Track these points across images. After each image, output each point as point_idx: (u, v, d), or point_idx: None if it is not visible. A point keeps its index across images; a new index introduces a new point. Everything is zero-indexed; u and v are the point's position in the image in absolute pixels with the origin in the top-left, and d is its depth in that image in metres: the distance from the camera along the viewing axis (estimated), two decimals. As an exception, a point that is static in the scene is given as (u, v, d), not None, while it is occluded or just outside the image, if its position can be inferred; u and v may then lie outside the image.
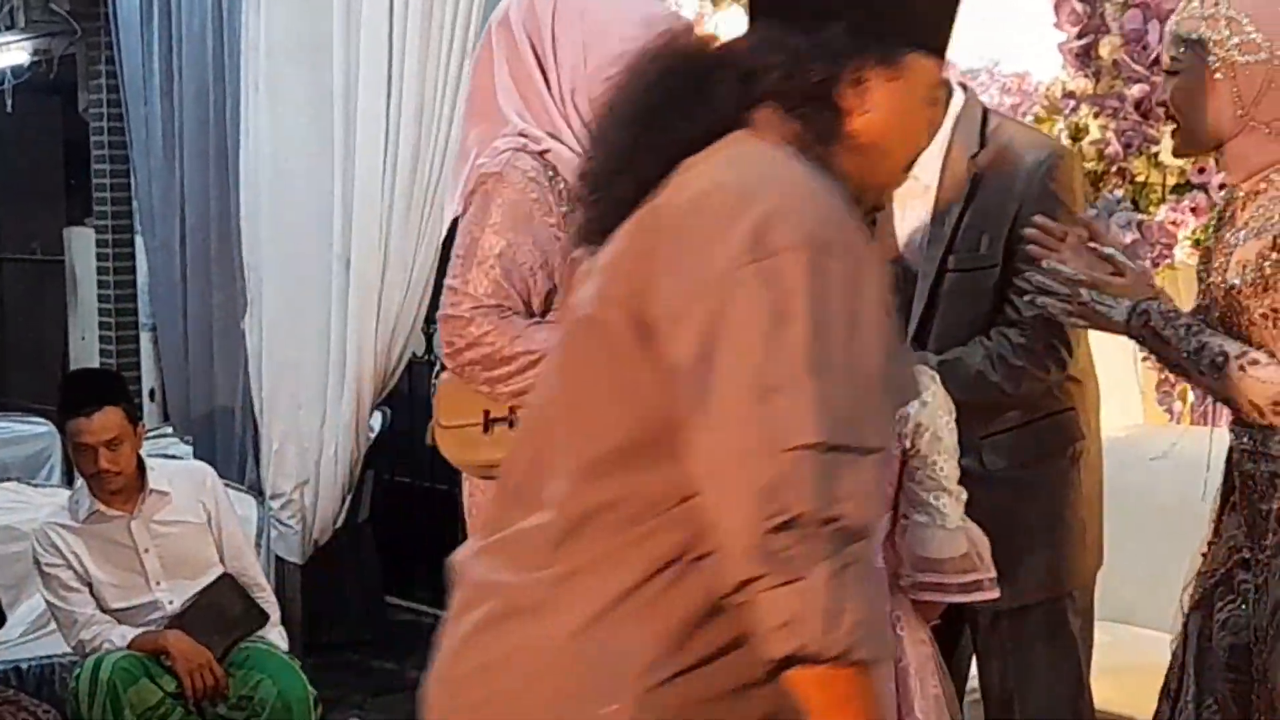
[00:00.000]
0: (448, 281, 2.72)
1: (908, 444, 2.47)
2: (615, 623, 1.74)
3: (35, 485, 5.67)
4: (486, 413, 2.74)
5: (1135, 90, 3.43)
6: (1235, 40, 2.34)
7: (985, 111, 2.87)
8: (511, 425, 2.71)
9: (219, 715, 4.22)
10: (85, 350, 8.25)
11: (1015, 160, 2.76)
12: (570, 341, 1.86)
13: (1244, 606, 2.49)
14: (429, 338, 6.14)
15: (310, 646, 5.04)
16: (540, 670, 1.77)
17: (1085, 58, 3.66)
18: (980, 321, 2.82)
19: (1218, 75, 2.37)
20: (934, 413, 2.50)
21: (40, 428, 6.77)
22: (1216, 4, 2.36)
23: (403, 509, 6.26)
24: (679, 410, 1.69)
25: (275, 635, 4.50)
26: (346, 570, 5.83)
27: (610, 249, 1.81)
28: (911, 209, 2.84)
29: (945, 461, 2.50)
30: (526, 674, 1.78)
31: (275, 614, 4.54)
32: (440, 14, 4.77)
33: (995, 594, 2.56)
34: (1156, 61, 3.27)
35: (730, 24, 4.33)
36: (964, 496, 2.55)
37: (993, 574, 2.56)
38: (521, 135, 2.75)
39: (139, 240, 6.79)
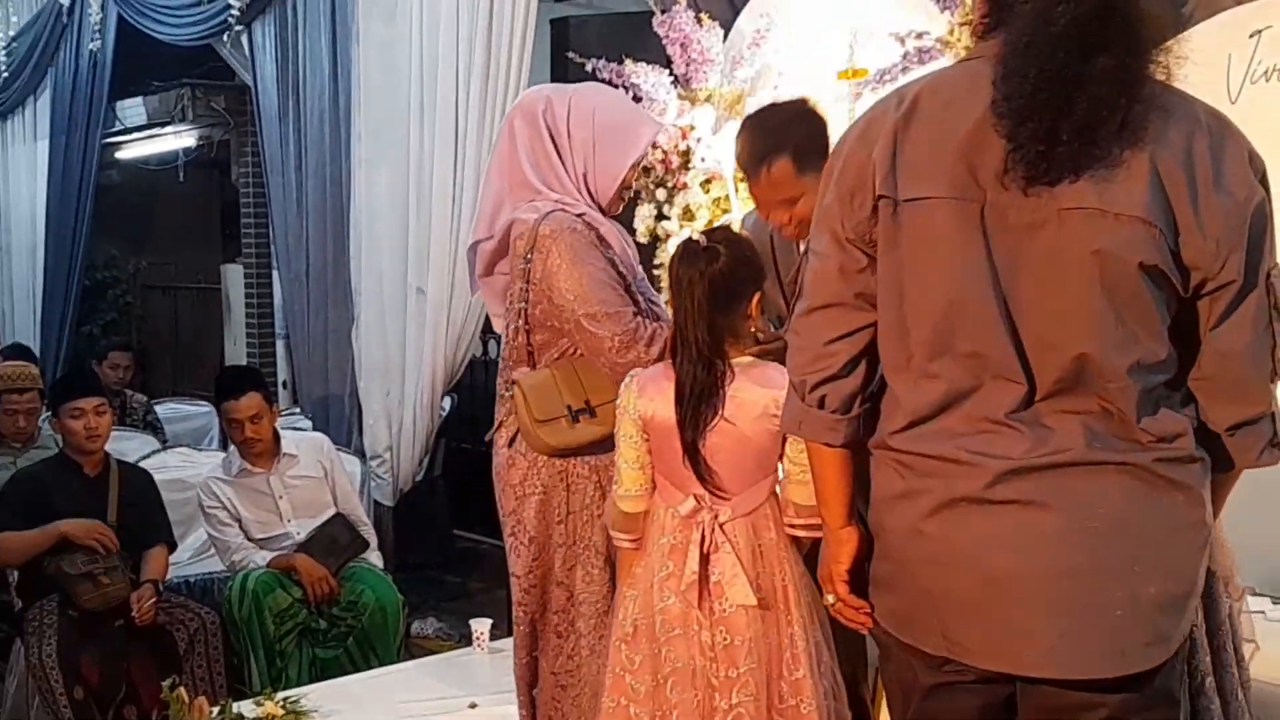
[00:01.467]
0: (593, 307, 2.54)
1: None
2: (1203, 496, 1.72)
3: (199, 450, 5.66)
4: (570, 407, 2.61)
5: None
6: None
7: None
8: (592, 414, 2.60)
9: (333, 615, 4.21)
10: (235, 352, 8.27)
11: None
12: (1113, 276, 1.62)
13: None
14: (485, 343, 6.16)
15: (399, 566, 5.04)
16: (1198, 541, 1.72)
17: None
18: None
19: None
20: None
21: (203, 408, 6.77)
22: None
23: (465, 467, 6.25)
24: (1200, 316, 1.67)
25: (374, 557, 4.49)
26: (424, 511, 5.84)
27: (1117, 194, 1.59)
28: None
29: None
30: (1191, 544, 1.71)
31: (374, 542, 4.53)
32: (493, 104, 4.75)
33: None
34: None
35: (703, 119, 4.31)
36: None
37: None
38: (557, 202, 2.65)
39: (275, 274, 6.75)
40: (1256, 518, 1.78)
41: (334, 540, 4.32)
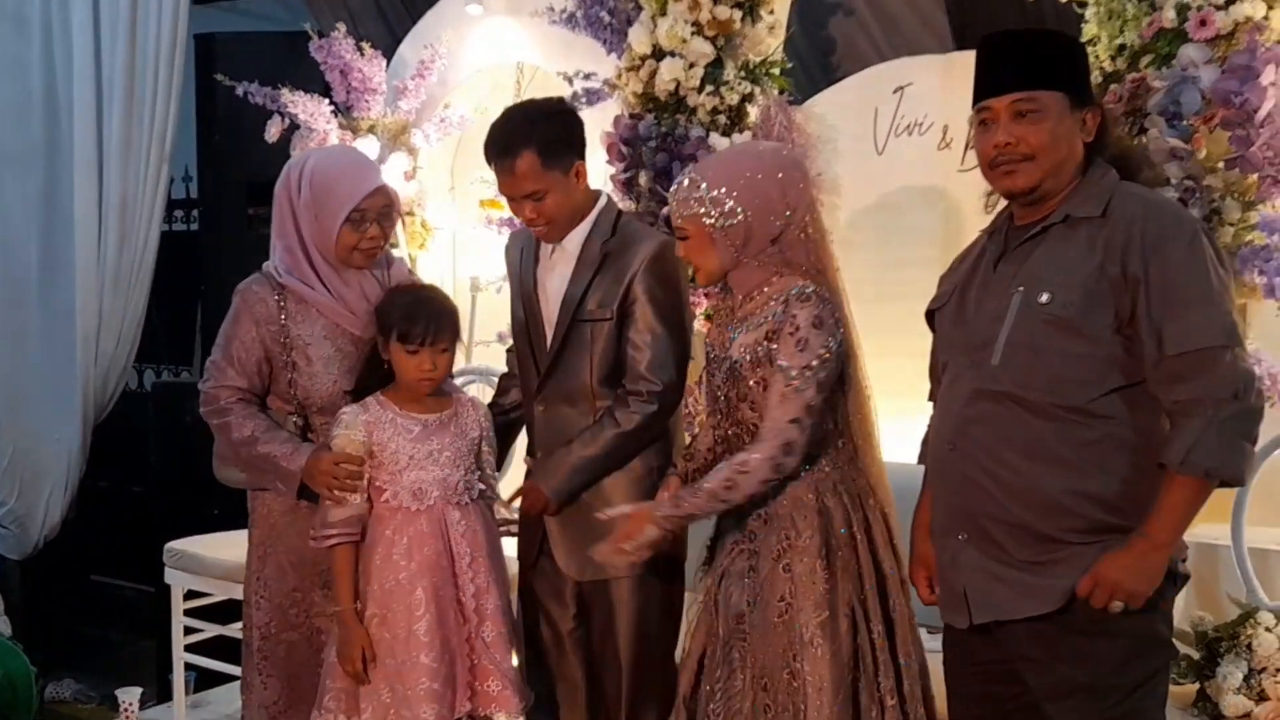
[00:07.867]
0: (211, 357, 2.62)
1: None
2: None
3: None
4: None
5: (665, 210, 3.28)
6: (717, 211, 2.27)
7: (619, 211, 2.68)
8: None
9: (-52, 695, 3.63)
10: None
11: (634, 246, 2.58)
12: None
13: (746, 580, 2.42)
14: (140, 373, 5.66)
15: (30, 623, 4.44)
16: None
17: (628, 186, 3.54)
18: (592, 360, 2.60)
19: (714, 236, 2.30)
20: None
21: None
22: (699, 188, 2.28)
23: (102, 506, 5.63)
24: None
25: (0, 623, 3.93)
26: (59, 559, 5.20)
27: None
28: (558, 273, 2.62)
29: None
30: None
31: (-1, 605, 3.97)
32: (139, 127, 4.37)
33: None
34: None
35: (367, 150, 4.02)
36: None
37: None
38: (275, 268, 2.62)
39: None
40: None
41: (-50, 607, 3.75)
